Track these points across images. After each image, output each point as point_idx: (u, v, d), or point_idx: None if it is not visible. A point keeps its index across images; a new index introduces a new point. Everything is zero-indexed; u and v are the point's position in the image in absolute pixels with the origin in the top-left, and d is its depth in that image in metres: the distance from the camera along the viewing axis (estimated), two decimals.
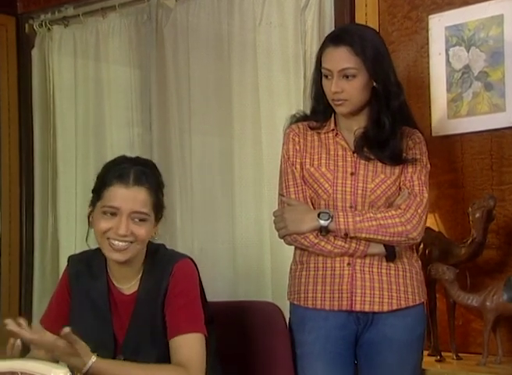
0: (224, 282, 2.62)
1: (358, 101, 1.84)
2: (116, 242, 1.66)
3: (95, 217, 1.70)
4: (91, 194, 1.75)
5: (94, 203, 1.73)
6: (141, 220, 1.67)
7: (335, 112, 1.91)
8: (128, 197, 1.66)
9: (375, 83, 1.84)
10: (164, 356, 1.67)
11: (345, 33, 1.86)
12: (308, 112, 1.98)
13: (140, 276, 1.74)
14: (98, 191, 1.71)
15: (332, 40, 1.85)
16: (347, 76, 1.81)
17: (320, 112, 1.92)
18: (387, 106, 1.84)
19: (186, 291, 1.70)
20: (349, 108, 1.85)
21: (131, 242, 1.67)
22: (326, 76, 1.85)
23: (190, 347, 1.64)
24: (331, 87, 1.82)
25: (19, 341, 1.53)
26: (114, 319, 1.74)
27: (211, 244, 2.70)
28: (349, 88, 1.82)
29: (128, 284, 1.74)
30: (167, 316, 1.69)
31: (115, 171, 1.70)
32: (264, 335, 1.94)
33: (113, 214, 1.66)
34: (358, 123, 1.89)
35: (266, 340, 1.94)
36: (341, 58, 1.81)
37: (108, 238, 1.66)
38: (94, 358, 1.52)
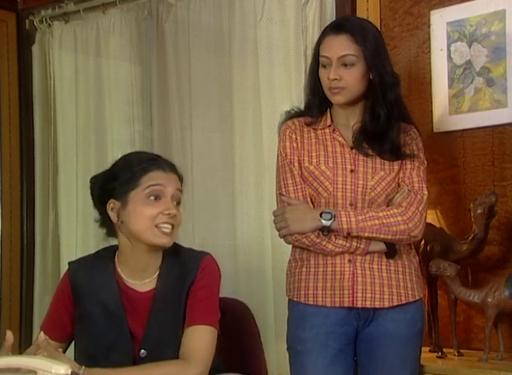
0: (225, 279, 2.59)
1: (355, 90, 1.83)
2: (166, 225, 1.67)
3: (138, 207, 1.67)
4: (107, 191, 1.72)
5: (121, 195, 1.70)
6: (177, 204, 1.72)
7: (330, 108, 1.90)
8: (169, 179, 1.72)
9: (371, 76, 1.83)
10: None
11: (346, 21, 1.87)
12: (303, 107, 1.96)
13: (157, 273, 1.74)
14: (134, 180, 1.69)
15: (333, 28, 1.85)
16: (346, 65, 1.81)
17: (315, 106, 1.91)
18: (383, 98, 1.83)
19: (209, 286, 1.73)
20: (345, 97, 1.84)
21: (173, 227, 1.69)
22: (324, 66, 1.84)
23: (198, 338, 1.66)
24: (328, 75, 1.82)
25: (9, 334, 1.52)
26: (129, 318, 1.73)
27: (212, 241, 2.70)
28: (347, 76, 1.81)
29: (143, 280, 1.74)
30: (187, 307, 1.71)
31: (147, 161, 1.73)
32: (234, 331, 1.98)
33: (157, 198, 1.68)
34: (355, 118, 1.88)
35: (236, 336, 1.98)
36: (341, 45, 1.81)
37: (157, 225, 1.67)
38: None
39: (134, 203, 1.69)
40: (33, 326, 3.06)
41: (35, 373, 1.32)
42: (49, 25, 3.16)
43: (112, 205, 1.72)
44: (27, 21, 3.22)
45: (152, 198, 1.68)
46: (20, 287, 3.17)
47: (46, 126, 3.21)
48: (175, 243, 1.79)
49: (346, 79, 1.81)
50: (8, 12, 3.21)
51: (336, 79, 1.81)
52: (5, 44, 3.19)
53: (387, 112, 1.83)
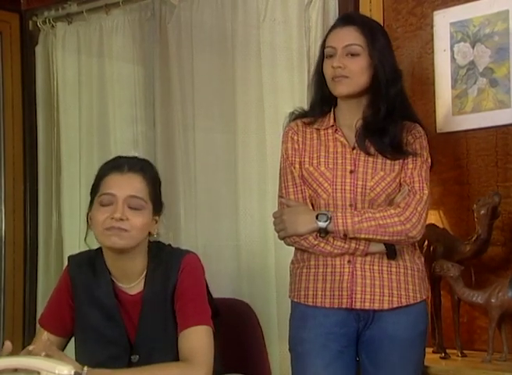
0: (228, 279, 2.62)
1: (358, 82, 1.83)
2: (113, 230, 1.66)
3: (93, 212, 1.71)
4: (90, 197, 1.76)
5: (92, 203, 1.74)
6: (137, 209, 1.68)
7: (334, 107, 1.90)
8: (123, 183, 1.69)
9: (373, 70, 1.83)
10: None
11: (354, 14, 1.95)
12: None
13: (144, 275, 1.74)
14: (95, 186, 1.73)
15: (341, 20, 1.89)
16: (351, 55, 1.82)
17: (318, 104, 1.91)
18: (386, 92, 1.83)
19: (194, 285, 1.71)
20: (348, 88, 1.83)
21: (126, 231, 1.66)
22: (329, 56, 1.85)
23: (195, 339, 1.65)
24: (332, 63, 1.82)
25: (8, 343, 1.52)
26: (123, 316, 1.73)
27: (214, 242, 2.70)
28: (351, 65, 1.82)
29: (130, 284, 1.74)
30: (177, 310, 1.70)
31: (110, 164, 1.75)
32: (238, 332, 1.98)
33: (109, 203, 1.67)
34: (357, 117, 1.88)
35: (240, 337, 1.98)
36: (347, 35, 1.83)
37: (106, 228, 1.66)
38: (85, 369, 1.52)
39: (94, 208, 1.72)
40: (36, 326, 3.06)
41: (38, 373, 1.32)
42: (52, 26, 3.17)
43: (87, 211, 1.76)
44: (30, 22, 3.22)
45: (104, 203, 1.69)
46: (23, 287, 3.17)
47: (49, 126, 3.21)
48: (161, 243, 1.79)
49: (350, 67, 1.82)
50: (11, 13, 3.22)
51: (339, 67, 1.82)
52: (8, 45, 3.20)
53: (388, 107, 1.83)
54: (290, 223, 1.82)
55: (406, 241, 1.81)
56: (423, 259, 1.93)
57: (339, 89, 1.85)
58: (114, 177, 1.70)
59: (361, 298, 1.80)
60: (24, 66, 3.23)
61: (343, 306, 1.81)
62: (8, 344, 1.49)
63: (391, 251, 1.82)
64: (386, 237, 1.79)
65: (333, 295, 1.82)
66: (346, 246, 1.80)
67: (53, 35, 3.18)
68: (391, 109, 1.83)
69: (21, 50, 3.23)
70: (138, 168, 1.72)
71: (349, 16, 1.91)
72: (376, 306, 1.81)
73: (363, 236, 1.78)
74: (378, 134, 1.83)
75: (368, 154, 1.84)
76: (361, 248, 1.81)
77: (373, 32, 1.84)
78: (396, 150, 1.83)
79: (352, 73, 1.82)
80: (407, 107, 1.89)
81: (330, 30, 1.89)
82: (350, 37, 1.82)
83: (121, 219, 1.65)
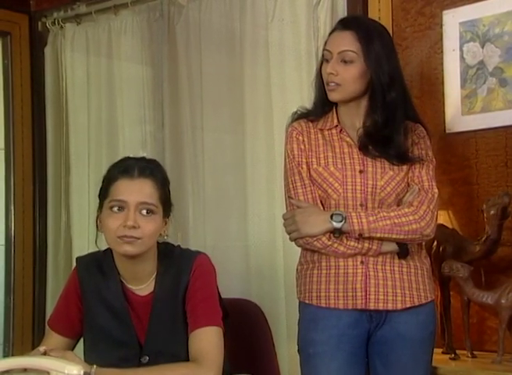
0: (236, 280, 2.62)
1: (351, 89, 1.83)
2: (126, 239, 1.65)
3: (103, 217, 1.70)
4: (98, 200, 1.75)
5: (101, 206, 1.73)
6: (148, 213, 1.67)
7: (336, 107, 1.90)
8: (133, 188, 1.67)
9: (370, 76, 1.81)
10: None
11: (354, 19, 1.93)
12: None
13: (154, 276, 1.74)
14: (104, 190, 1.72)
15: (340, 23, 1.87)
16: (345, 62, 1.81)
17: (319, 104, 1.90)
18: (383, 99, 1.81)
19: (205, 286, 1.71)
20: (340, 94, 1.83)
21: (138, 238, 1.66)
22: (327, 61, 1.84)
23: (204, 340, 1.65)
24: (327, 69, 1.82)
25: None
26: (133, 317, 1.73)
27: (223, 242, 2.70)
28: (344, 73, 1.81)
29: (140, 285, 1.74)
30: (188, 311, 1.70)
31: (120, 167, 1.73)
32: (246, 333, 1.98)
33: (121, 209, 1.66)
34: (360, 119, 1.87)
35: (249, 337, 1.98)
36: (343, 40, 1.82)
37: (119, 236, 1.66)
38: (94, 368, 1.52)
39: (104, 213, 1.70)
40: (45, 326, 3.07)
41: (48, 373, 1.32)
42: (61, 27, 3.18)
43: (97, 214, 1.75)
44: (40, 23, 3.24)
45: (115, 209, 1.67)
46: (33, 287, 3.19)
47: (58, 127, 3.22)
48: (171, 244, 1.79)
49: (342, 75, 1.81)
50: (20, 15, 3.23)
51: (332, 73, 1.81)
52: (17, 46, 3.21)
53: (387, 114, 1.81)
54: (303, 224, 1.81)
55: (420, 238, 1.81)
56: (429, 259, 1.93)
57: (331, 95, 1.85)
58: (124, 183, 1.68)
59: (375, 299, 1.80)
60: (33, 66, 3.24)
61: (358, 307, 1.80)
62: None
63: (403, 250, 1.81)
64: (402, 236, 1.78)
65: (347, 296, 1.81)
66: (360, 246, 1.80)
67: (62, 36, 3.19)
68: (391, 116, 1.82)
69: (30, 51, 3.24)
70: (148, 172, 1.71)
71: (348, 21, 1.88)
72: (390, 306, 1.80)
73: (378, 235, 1.78)
74: (381, 144, 1.83)
75: (374, 156, 1.84)
76: (374, 247, 1.80)
77: (370, 37, 1.81)
78: (401, 159, 1.83)
79: (344, 80, 1.81)
80: (409, 108, 1.88)
81: (331, 32, 1.88)
82: (346, 42, 1.81)
83: (133, 227, 1.65)
